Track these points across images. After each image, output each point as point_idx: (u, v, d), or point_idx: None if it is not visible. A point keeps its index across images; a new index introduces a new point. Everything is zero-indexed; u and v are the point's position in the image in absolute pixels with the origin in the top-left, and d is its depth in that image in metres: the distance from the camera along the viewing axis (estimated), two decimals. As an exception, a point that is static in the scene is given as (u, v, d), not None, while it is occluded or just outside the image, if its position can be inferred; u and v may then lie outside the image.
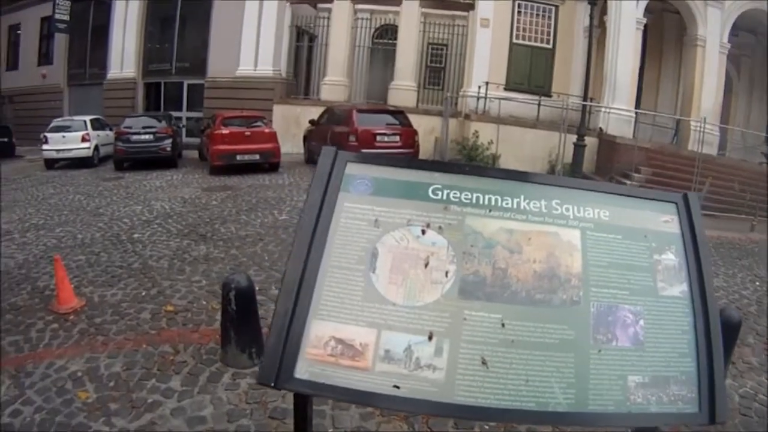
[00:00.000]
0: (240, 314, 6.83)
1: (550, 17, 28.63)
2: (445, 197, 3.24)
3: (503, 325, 2.96)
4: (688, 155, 23.41)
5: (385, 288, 3.00)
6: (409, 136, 21.91)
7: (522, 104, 26.16)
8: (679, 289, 3.27)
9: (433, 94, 32.37)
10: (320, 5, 33.04)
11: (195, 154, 27.46)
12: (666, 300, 3.23)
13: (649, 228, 3.40)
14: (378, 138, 20.91)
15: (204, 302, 8.94)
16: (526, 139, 24.60)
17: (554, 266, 3.14)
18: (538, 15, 28.53)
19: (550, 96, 27.03)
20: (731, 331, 6.81)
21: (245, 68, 30.71)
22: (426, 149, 25.00)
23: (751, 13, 27.76)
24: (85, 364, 7.01)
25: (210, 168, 22.87)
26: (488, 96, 26.02)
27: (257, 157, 22.50)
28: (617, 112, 25.04)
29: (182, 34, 33.91)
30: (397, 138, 21.43)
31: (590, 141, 23.50)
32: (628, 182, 20.65)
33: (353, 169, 3.33)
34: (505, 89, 27.20)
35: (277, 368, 2.83)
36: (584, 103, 22.84)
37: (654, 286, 3.25)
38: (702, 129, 23.22)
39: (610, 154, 23.49)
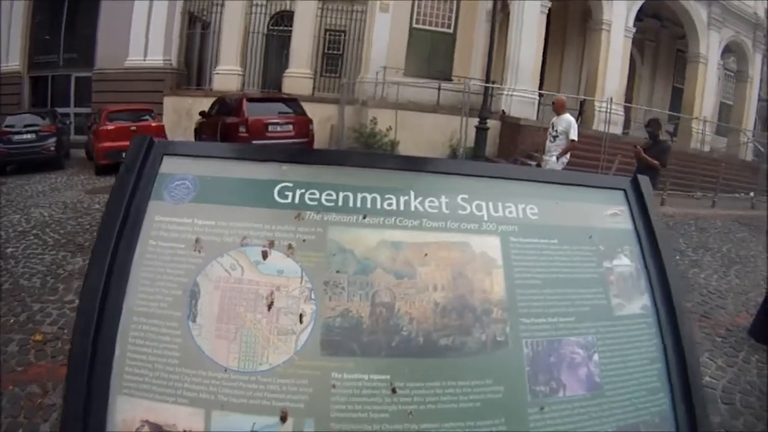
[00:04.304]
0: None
1: (451, 2, 28.66)
2: (298, 200, 2.20)
3: (394, 390, 1.95)
4: (593, 135, 24.67)
5: (211, 345, 1.96)
6: (303, 124, 21.29)
7: (422, 89, 26.02)
8: (639, 304, 2.42)
9: (331, 82, 31.75)
10: (215, -9, 32.14)
11: (84, 153, 25.98)
12: (625, 321, 2.37)
13: (593, 225, 2.51)
14: (270, 128, 20.23)
15: (75, 327, 7.88)
16: (426, 124, 24.49)
17: (465, 293, 2.16)
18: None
19: (451, 80, 27.09)
20: None
21: (135, 58, 29.68)
22: (322, 138, 24.56)
23: None
24: (-55, 424, 6.10)
25: (96, 168, 21.81)
26: (386, 81, 25.96)
27: (144, 153, 21.29)
28: (520, 95, 25.54)
29: (70, 22, 32.55)
30: (290, 127, 20.80)
31: (493, 124, 23.59)
32: (534, 164, 20.80)
33: (172, 166, 2.28)
34: (405, 75, 27.05)
35: None
36: (486, 84, 22.77)
37: (608, 305, 2.36)
38: (609, 109, 24.11)
39: (514, 136, 23.82)
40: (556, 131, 13.51)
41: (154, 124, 22.38)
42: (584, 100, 28.40)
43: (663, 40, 36.44)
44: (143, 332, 1.99)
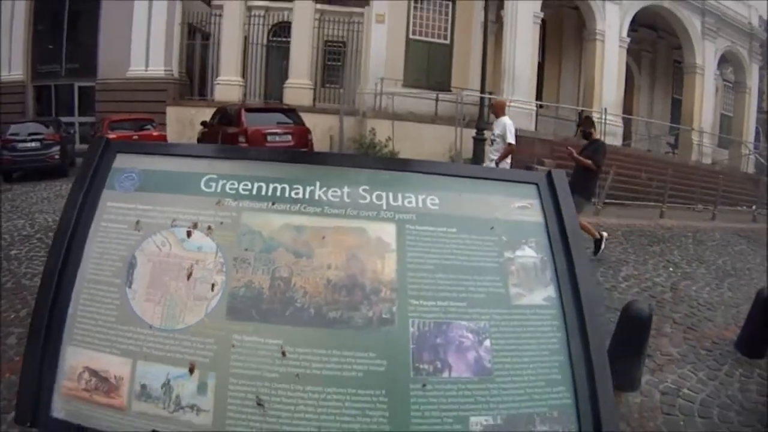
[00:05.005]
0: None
1: (447, 13, 28.75)
2: (219, 189, 2.63)
3: (284, 353, 2.30)
4: None
5: (141, 307, 2.40)
6: (302, 134, 21.36)
7: (421, 100, 26.02)
8: (542, 295, 2.59)
9: (332, 93, 31.37)
10: (214, 2, 32.14)
11: None
12: (524, 311, 2.54)
13: (497, 217, 2.73)
14: (269, 138, 20.36)
15: (71, 323, 8.16)
16: (424, 134, 24.38)
17: (356, 273, 2.47)
18: (434, 10, 28.64)
19: (449, 91, 26.93)
20: (642, 326, 6.49)
21: (136, 68, 29.79)
22: (323, 148, 24.40)
23: (651, 8, 29.31)
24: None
25: (99, 176, 21.55)
26: (384, 92, 26.00)
27: (145, 162, 21.35)
28: (517, 106, 25.05)
29: (72, 33, 32.70)
30: (290, 137, 20.88)
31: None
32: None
33: (123, 162, 2.75)
34: (404, 85, 27.07)
35: (32, 405, 2.30)
36: (481, 95, 22.81)
37: (505, 294, 2.55)
38: (603, 120, 24.19)
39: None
40: (494, 135, 13.10)
41: (155, 133, 22.66)
42: (582, 111, 28.28)
43: (660, 50, 36.20)
44: (91, 295, 2.45)
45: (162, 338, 2.34)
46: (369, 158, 2.88)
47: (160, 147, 2.90)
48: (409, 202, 2.68)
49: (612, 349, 6.55)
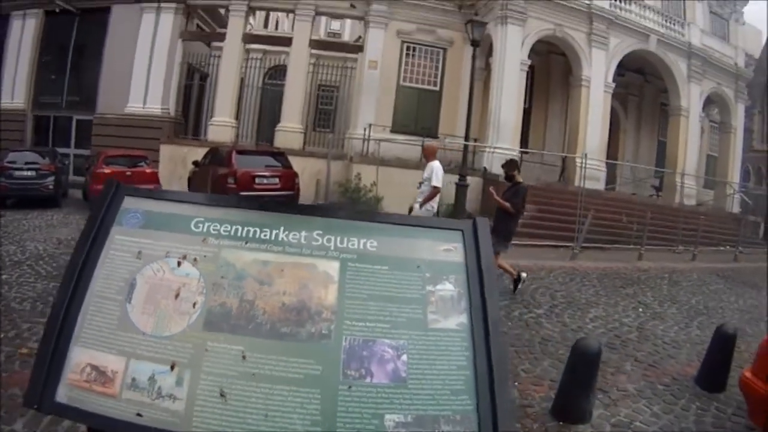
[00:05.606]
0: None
1: (437, 60, 29.51)
2: (205, 230, 3.28)
3: (244, 357, 2.93)
4: (573, 191, 24.37)
5: (137, 318, 3.03)
6: (290, 178, 21.91)
7: (409, 146, 26.48)
8: (455, 321, 3.13)
9: (323, 137, 32.26)
10: (214, 44, 32.93)
11: (81, 193, 26.35)
12: (437, 333, 3.09)
13: (423, 257, 3.31)
14: (257, 180, 20.85)
15: (59, 344, 8.48)
16: (409, 180, 23.77)
17: (305, 299, 3.10)
18: (426, 58, 29.43)
19: (436, 137, 27.14)
20: (591, 361, 6.81)
21: (134, 105, 30.32)
22: (309, 192, 25.05)
23: (638, 53, 29.83)
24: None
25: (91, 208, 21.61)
26: (371, 138, 26.62)
27: (137, 198, 21.61)
28: (501, 152, 25.46)
29: (75, 66, 33.31)
30: (277, 180, 21.45)
31: (475, 181, 24.00)
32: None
33: (130, 203, 3.40)
34: (392, 131, 27.80)
35: (40, 392, 2.90)
36: (465, 143, 23.04)
37: (423, 319, 3.12)
38: (584, 165, 24.00)
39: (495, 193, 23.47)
40: (423, 178, 13.22)
41: (148, 171, 23.03)
42: (565, 157, 28.81)
43: (646, 94, 36.89)
44: (98, 307, 3.08)
45: (152, 343, 2.97)
46: (323, 208, 3.38)
47: (160, 193, 3.56)
48: (352, 245, 3.29)
49: (563, 384, 6.99)
